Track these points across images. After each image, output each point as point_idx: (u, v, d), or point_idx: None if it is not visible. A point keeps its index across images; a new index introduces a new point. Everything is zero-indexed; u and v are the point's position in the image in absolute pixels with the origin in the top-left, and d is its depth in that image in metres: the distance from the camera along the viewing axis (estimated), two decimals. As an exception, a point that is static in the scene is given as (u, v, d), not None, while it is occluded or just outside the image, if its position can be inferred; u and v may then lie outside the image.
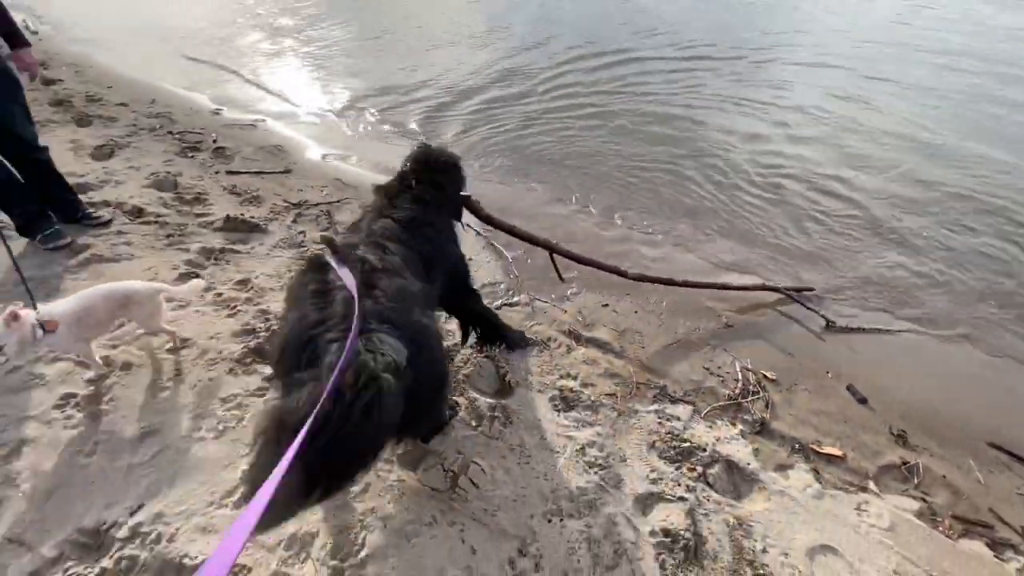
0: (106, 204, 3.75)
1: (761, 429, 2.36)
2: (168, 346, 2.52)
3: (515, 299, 3.11)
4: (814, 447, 2.30)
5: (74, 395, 2.30)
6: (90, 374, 2.35)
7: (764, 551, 1.89)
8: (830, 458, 2.28)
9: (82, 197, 3.79)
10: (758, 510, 2.04)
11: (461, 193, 2.45)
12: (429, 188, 2.16)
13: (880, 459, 2.30)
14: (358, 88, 6.63)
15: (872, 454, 2.32)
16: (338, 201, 4.06)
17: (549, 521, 1.92)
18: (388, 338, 1.37)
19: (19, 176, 3.16)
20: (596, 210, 4.16)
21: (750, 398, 2.48)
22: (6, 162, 3.10)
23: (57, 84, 6.50)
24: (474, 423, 2.27)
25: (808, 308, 3.08)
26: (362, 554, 1.77)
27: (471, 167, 4.73)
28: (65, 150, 4.58)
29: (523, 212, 4.04)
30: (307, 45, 8.31)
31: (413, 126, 5.67)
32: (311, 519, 1.85)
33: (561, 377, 2.56)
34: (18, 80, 3.11)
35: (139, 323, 2.42)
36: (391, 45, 8.32)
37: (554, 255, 2.82)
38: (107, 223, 3.54)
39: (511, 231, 2.76)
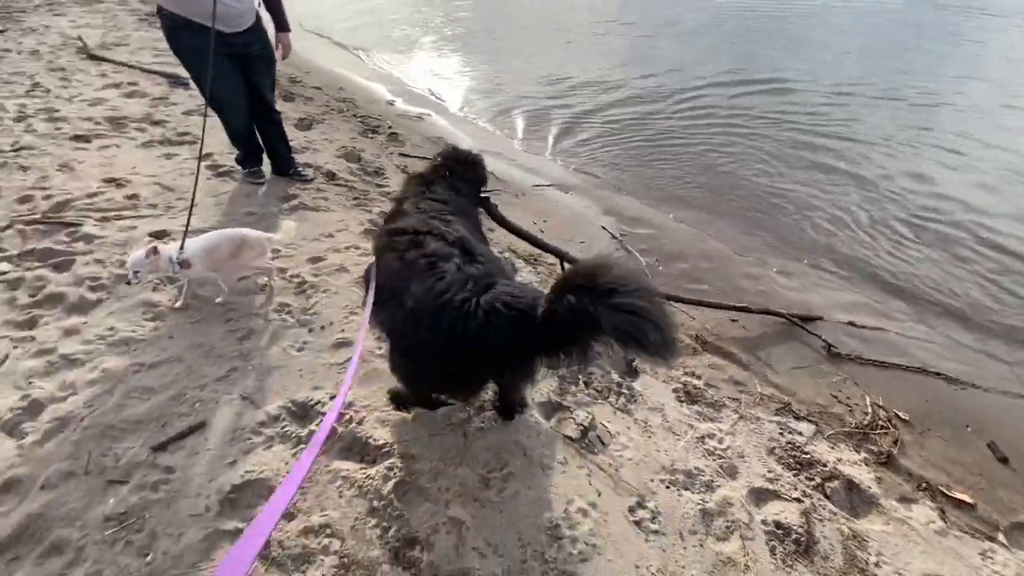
0: (308, 166, 4.56)
1: (887, 461, 2.37)
2: (263, 282, 3.01)
3: (645, 299, 3.33)
4: (943, 489, 2.27)
5: (288, 305, 2.90)
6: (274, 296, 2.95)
7: (877, 565, 1.94)
8: (959, 503, 2.23)
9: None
10: (875, 530, 2.08)
11: (481, 191, 2.71)
12: (459, 180, 2.41)
13: (1015, 516, 2.21)
14: (508, 93, 7.24)
15: (1007, 510, 2.24)
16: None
17: (667, 487, 2.13)
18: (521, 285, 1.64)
19: (256, 128, 4.09)
20: (732, 232, 4.25)
21: (879, 431, 2.49)
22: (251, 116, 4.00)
23: (268, 67, 7.86)
24: (603, 394, 2.53)
25: (811, 333, 3.11)
26: (505, 470, 2.10)
27: (602, 176, 5.04)
28: (276, 119, 5.58)
29: (656, 225, 4.26)
30: (467, 53, 9.18)
31: (553, 131, 6.10)
32: (470, 435, 2.22)
33: (686, 374, 2.74)
34: (274, 58, 3.95)
35: (248, 261, 2.80)
36: (539, 55, 8.93)
37: (564, 264, 3.11)
38: (310, 180, 4.32)
39: (522, 235, 3.12)
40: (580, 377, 2.62)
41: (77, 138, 4.52)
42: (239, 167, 4.23)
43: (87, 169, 4.05)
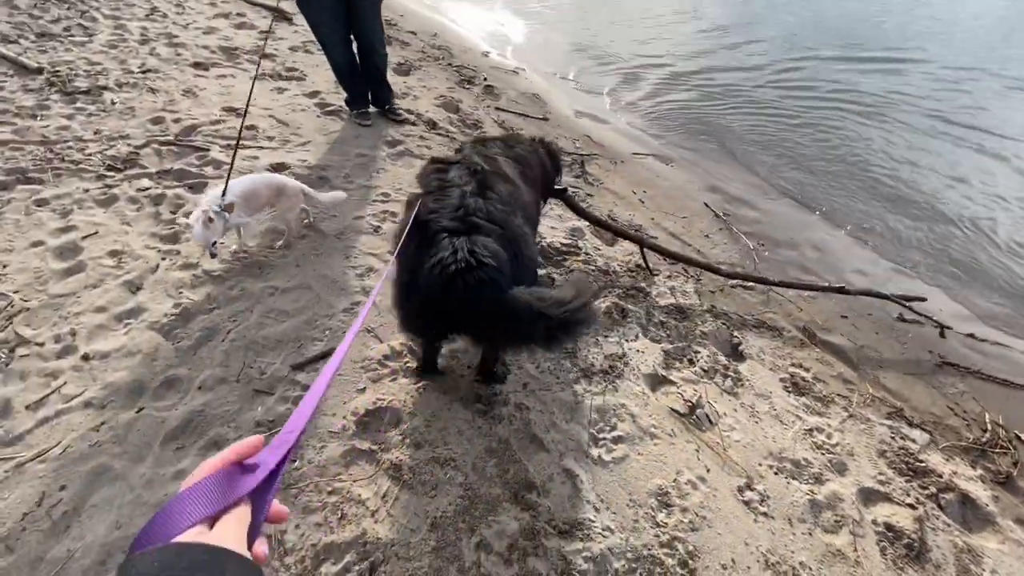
0: (409, 112, 4.59)
1: (1005, 481, 2.28)
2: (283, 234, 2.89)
3: (749, 283, 3.25)
4: (1067, 520, 2.17)
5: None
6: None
7: (992, 583, 1.90)
8: (1084, 537, 2.13)
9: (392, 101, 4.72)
10: (990, 547, 2.03)
11: (556, 184, 2.73)
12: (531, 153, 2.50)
13: None
14: (603, 54, 6.97)
15: None
16: (588, 155, 4.47)
17: (776, 473, 2.13)
18: (490, 244, 1.61)
19: (359, 66, 4.14)
20: (844, 223, 4.03)
21: (998, 450, 2.38)
22: (355, 55, 4.07)
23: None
24: (710, 374, 2.52)
25: (917, 313, 3.05)
26: (614, 432, 2.16)
27: (702, 148, 4.83)
28: (375, 62, 5.62)
29: (761, 207, 4.09)
30: (564, 11, 8.84)
31: (650, 97, 5.86)
32: (579, 394, 2.28)
33: (793, 365, 2.69)
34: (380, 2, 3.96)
35: (282, 209, 2.75)
36: (636, 16, 8.50)
37: (645, 249, 3.08)
38: (403, 121, 4.38)
39: (603, 224, 3.12)
40: (685, 355, 2.62)
41: (197, 65, 4.71)
42: (346, 108, 4.32)
43: (208, 96, 4.24)
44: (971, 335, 3.07)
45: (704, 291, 3.10)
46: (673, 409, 2.30)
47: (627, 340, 2.64)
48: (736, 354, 2.70)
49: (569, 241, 3.24)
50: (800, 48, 7.38)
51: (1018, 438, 2.49)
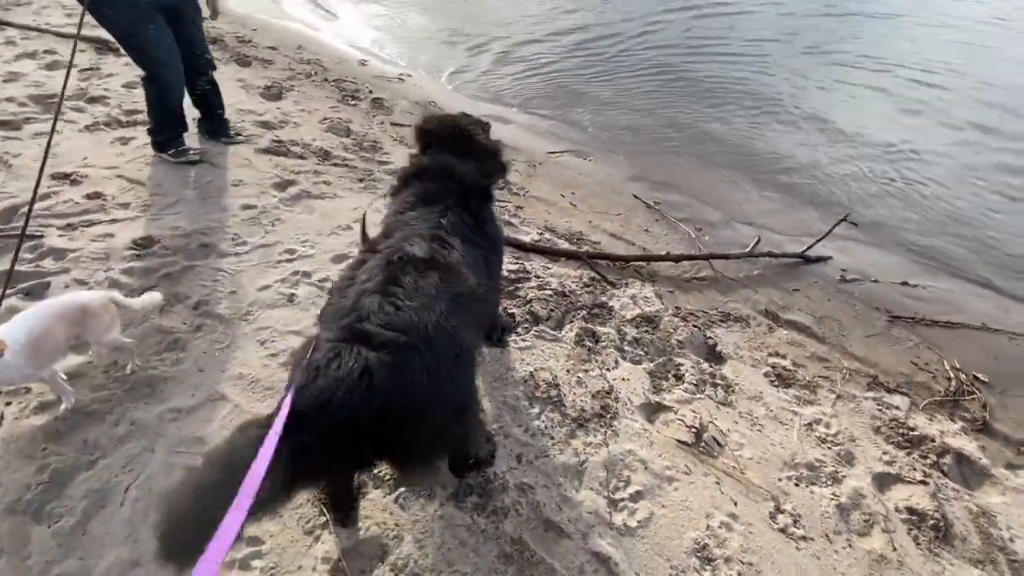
0: (293, 143, 3.99)
1: (983, 428, 2.37)
2: (129, 368, 2.13)
3: (702, 273, 3.17)
4: (1040, 452, 2.30)
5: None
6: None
7: (1011, 540, 1.93)
8: (1058, 464, 2.27)
9: (267, 133, 4.08)
10: (995, 502, 2.07)
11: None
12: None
13: (1108, 471, 2.28)
14: (482, 43, 6.65)
15: (1098, 465, 2.30)
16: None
17: (796, 484, 2.02)
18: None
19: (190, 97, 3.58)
20: (761, 193, 4.12)
21: (967, 397, 2.48)
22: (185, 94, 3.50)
23: (204, 21, 6.82)
24: (699, 387, 2.37)
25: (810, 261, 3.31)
26: (630, 488, 1.92)
27: (616, 136, 4.75)
28: (236, 87, 4.86)
29: (688, 189, 4.06)
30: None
31: (549, 90, 5.67)
32: (581, 452, 2.01)
33: (770, 355, 2.62)
34: (200, 7, 3.39)
35: (94, 339, 2.00)
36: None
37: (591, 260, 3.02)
38: (239, 142, 3.86)
39: (545, 251, 3.07)
40: (669, 371, 2.45)
41: (2, 124, 3.72)
42: (161, 154, 3.54)
43: (27, 163, 3.34)
44: (904, 283, 3.23)
45: (664, 292, 2.96)
46: (680, 441, 2.11)
47: (608, 369, 2.41)
48: (716, 356, 2.59)
49: (516, 266, 2.93)
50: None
51: (977, 379, 2.62)
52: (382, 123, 4.62)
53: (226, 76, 5.05)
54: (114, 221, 2.96)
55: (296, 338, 2.39)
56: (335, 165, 3.81)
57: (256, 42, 6.29)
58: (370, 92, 5.19)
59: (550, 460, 1.98)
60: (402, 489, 1.83)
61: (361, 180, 3.67)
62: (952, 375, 2.60)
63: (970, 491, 2.11)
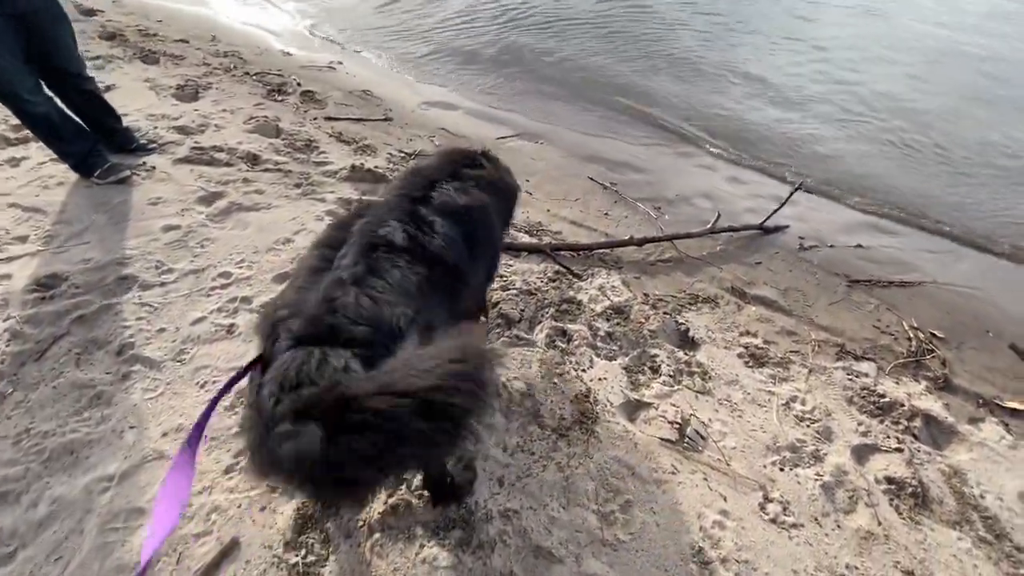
0: (217, 149, 3.62)
1: (945, 385, 2.43)
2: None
3: (666, 255, 3.11)
4: (996, 402, 2.39)
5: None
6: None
7: (982, 497, 1.99)
8: (1013, 412, 2.37)
9: (186, 140, 3.69)
10: (963, 459, 2.13)
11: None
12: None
13: (1060, 414, 2.40)
14: (409, 22, 6.28)
15: (1052, 409, 2.42)
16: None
17: (781, 469, 2.01)
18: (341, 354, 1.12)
19: (67, 109, 3.09)
20: (710, 161, 4.09)
21: (928, 357, 2.54)
22: (53, 96, 2.99)
23: (99, 15, 6.12)
24: (677, 378, 2.31)
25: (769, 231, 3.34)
26: (620, 498, 1.84)
27: (557, 113, 4.59)
28: (144, 89, 4.38)
29: (643, 166, 3.98)
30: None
31: (486, 67, 5.41)
32: (565, 466, 1.91)
33: (741, 334, 2.60)
34: (66, 15, 2.94)
35: None
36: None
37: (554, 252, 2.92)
38: (155, 149, 3.50)
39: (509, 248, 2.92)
40: (645, 363, 2.38)
41: None
42: (83, 177, 3.16)
43: None
44: (859, 245, 3.29)
45: (631, 279, 2.88)
46: (663, 439, 2.05)
47: (583, 370, 2.31)
48: (689, 342, 2.54)
49: (475, 268, 2.77)
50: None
51: (934, 336, 2.69)
52: (315, 119, 4.27)
53: (130, 77, 4.56)
54: (10, 259, 2.58)
55: (241, 375, 2.15)
56: (267, 171, 3.49)
57: (163, 35, 5.69)
58: (299, 85, 4.79)
59: (534, 479, 1.87)
60: (376, 535, 1.68)
61: (298, 185, 3.37)
62: (912, 335, 2.65)
63: (940, 452, 2.17)
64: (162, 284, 2.54)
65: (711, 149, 4.25)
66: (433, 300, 1.42)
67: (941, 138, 4.39)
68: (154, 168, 3.35)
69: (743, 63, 5.55)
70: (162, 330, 2.33)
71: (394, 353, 1.18)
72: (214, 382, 2.14)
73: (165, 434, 1.93)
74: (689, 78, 5.27)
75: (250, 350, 2.25)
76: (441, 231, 1.60)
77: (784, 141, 4.34)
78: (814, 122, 4.60)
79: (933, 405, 2.32)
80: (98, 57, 4.84)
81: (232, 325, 2.37)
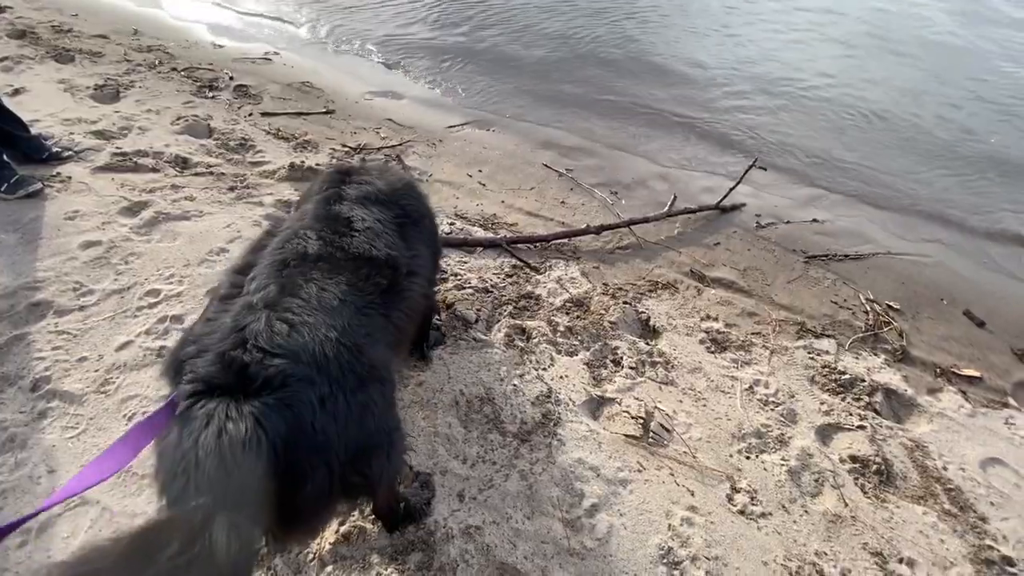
0: (142, 154, 3.34)
1: (903, 357, 2.45)
2: None
3: (624, 242, 3.03)
4: (954, 370, 2.42)
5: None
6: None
7: (945, 468, 2.01)
8: (970, 379, 2.41)
9: (106, 146, 3.39)
10: (924, 431, 2.15)
11: None
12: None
13: (1011, 377, 2.45)
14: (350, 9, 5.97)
15: (1003, 372, 2.47)
16: (401, 144, 3.76)
17: (747, 457, 1.97)
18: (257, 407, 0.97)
19: None
20: (669, 143, 4.04)
21: (885, 329, 2.56)
22: None
23: (7, 11, 5.59)
24: (639, 370, 2.25)
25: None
26: (586, 502, 1.77)
27: (512, 101, 4.45)
28: (58, 91, 4.01)
29: (597, 151, 3.89)
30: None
31: (436, 54, 5.19)
32: (528, 474, 1.82)
33: (703, 319, 2.55)
34: None
35: None
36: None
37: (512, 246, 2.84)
38: (71, 156, 3.19)
39: (459, 244, 2.83)
40: (606, 356, 2.31)
41: None
42: None
43: None
44: (814, 220, 3.29)
45: (589, 269, 2.80)
46: (628, 436, 1.98)
47: (544, 369, 2.22)
48: (650, 331, 2.48)
49: (427, 268, 2.63)
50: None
51: (890, 307, 2.71)
52: (250, 115, 4.00)
53: (42, 78, 4.17)
54: (-99, 292, 2.30)
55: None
56: (198, 175, 3.23)
57: (79, 30, 5.23)
58: (231, 79, 4.48)
59: (496, 490, 1.78)
60: (328, 568, 1.56)
61: (232, 188, 3.14)
62: (869, 308, 2.67)
63: (902, 425, 2.18)
64: (81, 308, 2.31)
65: (666, 131, 4.18)
66: (365, 309, 1.28)
67: (885, 111, 4.44)
68: (70, 178, 3.05)
69: (686, 50, 5.49)
70: (83, 359, 2.12)
71: (316, 386, 1.06)
72: (144, 412, 1.96)
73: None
74: (639, 66, 5.18)
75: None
76: (362, 225, 1.47)
77: (736, 120, 4.31)
78: (762, 99, 4.59)
79: (892, 378, 2.33)
80: (6, 58, 4.41)
81: (162, 348, 2.18)
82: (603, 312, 2.50)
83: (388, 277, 1.39)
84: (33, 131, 3.23)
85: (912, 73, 5.11)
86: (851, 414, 2.16)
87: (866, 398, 2.22)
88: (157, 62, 4.65)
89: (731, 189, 3.23)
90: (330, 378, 1.08)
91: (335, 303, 1.21)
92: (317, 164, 3.37)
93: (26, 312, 2.27)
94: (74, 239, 2.66)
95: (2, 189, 2.83)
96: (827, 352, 2.43)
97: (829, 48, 5.53)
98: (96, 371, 2.08)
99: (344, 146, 3.67)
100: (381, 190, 1.63)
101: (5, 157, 2.92)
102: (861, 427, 2.10)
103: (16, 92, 3.88)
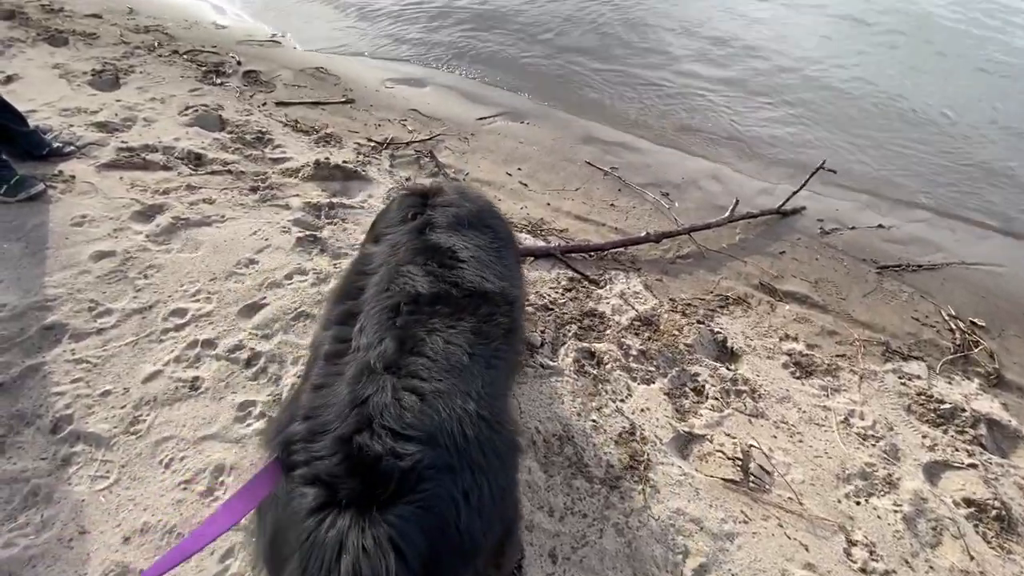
0: (150, 149, 3.04)
1: (998, 381, 2.28)
2: None
3: (685, 250, 2.81)
4: (1053, 396, 2.26)
5: (253, 402, 1.89)
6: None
7: (1064, 514, 1.85)
8: (1071, 405, 2.25)
9: (111, 140, 3.08)
10: (1035, 468, 1.99)
11: None
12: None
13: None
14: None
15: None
16: (432, 139, 3.47)
17: (857, 503, 1.80)
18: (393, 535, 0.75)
19: None
20: (710, 141, 3.79)
21: (975, 350, 2.38)
22: None
23: (-11, -12, 5.14)
24: (725, 400, 2.06)
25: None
26: (692, 564, 1.59)
27: (546, 90, 4.17)
28: (54, 77, 3.67)
29: (642, 147, 3.63)
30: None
31: (454, 37, 4.86)
32: (625, 530, 1.63)
33: (782, 339, 2.36)
34: None
35: None
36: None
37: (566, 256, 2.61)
38: (73, 152, 2.90)
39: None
40: (687, 384, 2.11)
41: None
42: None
43: None
44: (880, 226, 3.09)
45: (652, 282, 2.58)
46: (726, 480, 1.79)
47: (622, 400, 2.02)
48: (729, 354, 2.28)
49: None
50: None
51: (974, 324, 2.53)
52: (264, 104, 3.68)
53: (35, 63, 3.81)
54: None
55: (217, 445, 1.75)
56: (214, 173, 2.95)
57: (70, 9, 4.82)
58: (239, 64, 4.14)
59: (591, 548, 1.59)
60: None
61: (254, 189, 2.86)
62: (952, 326, 2.49)
63: (1010, 461, 2.01)
64: (99, 331, 2.06)
65: (715, 127, 3.92)
66: (493, 360, 1.07)
67: (945, 113, 4.21)
68: (73, 177, 2.76)
69: (740, 40, 5.20)
70: (106, 393, 1.87)
71: (458, 477, 0.85)
72: (183, 457, 1.73)
73: (127, 539, 1.53)
74: (684, 52, 4.90)
75: (222, 411, 1.84)
76: (467, 255, 1.25)
77: (788, 118, 4.06)
78: (814, 96, 4.33)
79: (992, 407, 2.16)
80: (-5, 41, 4.04)
81: (196, 379, 1.94)
82: (676, 332, 2.30)
83: (507, 314, 1.18)
84: (31, 124, 2.92)
85: (980, 77, 4.82)
86: (957, 449, 1.99)
87: (970, 431, 2.05)
88: (156, 44, 4.29)
89: (795, 192, 3.02)
90: (472, 463, 0.88)
91: (465, 360, 0.99)
92: (344, 161, 3.10)
93: (39, 337, 2.01)
94: (84, 249, 2.38)
95: (2, 191, 2.53)
96: (918, 377, 2.25)
97: (893, 52, 5.23)
98: (123, 408, 1.84)
99: (370, 140, 3.39)
100: (471, 212, 1.40)
101: (4, 156, 2.61)
102: (972, 465, 1.93)
103: (8, 79, 3.54)
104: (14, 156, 2.72)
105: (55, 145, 2.88)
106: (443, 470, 0.84)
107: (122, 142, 3.06)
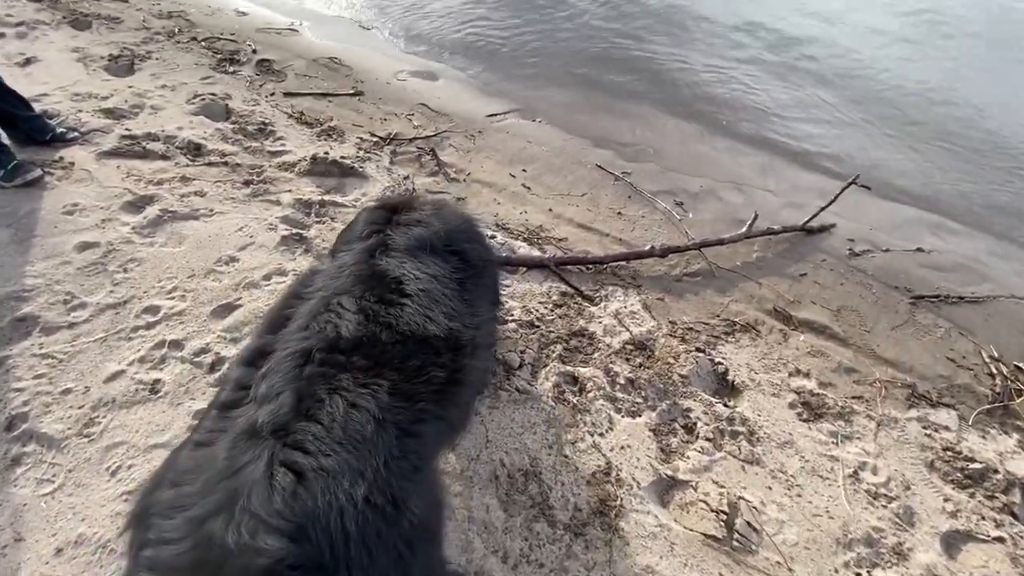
0: (152, 138, 3.01)
1: (1042, 439, 1.99)
2: None
3: (694, 266, 2.59)
4: (1107, 462, 1.95)
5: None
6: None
7: (1109, 606, 1.58)
8: None
9: (115, 127, 3.07)
10: (1077, 548, 1.71)
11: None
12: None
13: None
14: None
15: None
16: (436, 135, 3.34)
17: (857, 572, 1.58)
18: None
19: None
20: (732, 144, 3.52)
21: (1019, 400, 2.09)
22: None
23: (27, -29, 5.28)
24: (717, 442, 1.85)
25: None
26: (656, 631, 1.41)
27: (558, 87, 3.96)
28: (71, 60, 3.71)
29: (658, 149, 3.40)
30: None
31: (467, 35, 4.69)
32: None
33: (791, 375, 2.12)
34: None
35: None
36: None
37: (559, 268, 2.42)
38: (76, 138, 2.88)
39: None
40: (676, 421, 1.91)
41: None
42: None
43: None
44: (919, 249, 2.78)
45: (652, 301, 2.38)
46: (707, 536, 1.60)
47: (601, 434, 1.84)
48: (729, 388, 2.07)
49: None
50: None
51: (1020, 369, 2.23)
52: (272, 94, 3.62)
53: (56, 46, 3.87)
54: None
55: (165, 455, 1.67)
56: (211, 164, 2.90)
57: (94, -8, 4.89)
58: (254, 52, 4.10)
59: (542, 609, 1.44)
60: None
61: (247, 183, 2.79)
62: (994, 369, 2.19)
63: (1047, 535, 1.74)
64: (71, 325, 2.02)
65: (741, 133, 3.64)
66: (414, 425, 0.93)
67: (1001, 128, 3.78)
68: (72, 164, 2.76)
69: (775, 47, 4.84)
70: (67, 391, 1.83)
71: None
72: (130, 466, 1.66)
73: (60, 551, 1.47)
74: (712, 57, 4.59)
75: (177, 419, 1.77)
76: (415, 287, 1.11)
77: (822, 127, 3.73)
78: (852, 107, 3.97)
79: (1031, 469, 1.88)
80: (21, 23, 4.13)
81: (156, 382, 1.88)
82: (671, 360, 2.10)
83: (448, 364, 1.03)
84: (39, 108, 2.94)
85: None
86: (984, 518, 1.73)
87: (1002, 496, 1.79)
88: (176, 30, 4.30)
89: (823, 208, 2.74)
90: (350, 564, 0.73)
91: (368, 429, 0.85)
92: (342, 157, 3.00)
93: (10, 329, 1.98)
94: (70, 239, 2.36)
95: (2, 177, 2.54)
96: (947, 428, 1.99)
97: (939, 63, 4.77)
98: (80, 407, 1.79)
99: (372, 135, 3.28)
100: (437, 234, 1.25)
101: (4, 140, 2.62)
102: (999, 539, 1.67)
103: (27, 62, 3.59)
104: (16, 141, 2.74)
105: (59, 131, 2.89)
106: (311, 572, 0.70)
107: (126, 129, 3.05)
